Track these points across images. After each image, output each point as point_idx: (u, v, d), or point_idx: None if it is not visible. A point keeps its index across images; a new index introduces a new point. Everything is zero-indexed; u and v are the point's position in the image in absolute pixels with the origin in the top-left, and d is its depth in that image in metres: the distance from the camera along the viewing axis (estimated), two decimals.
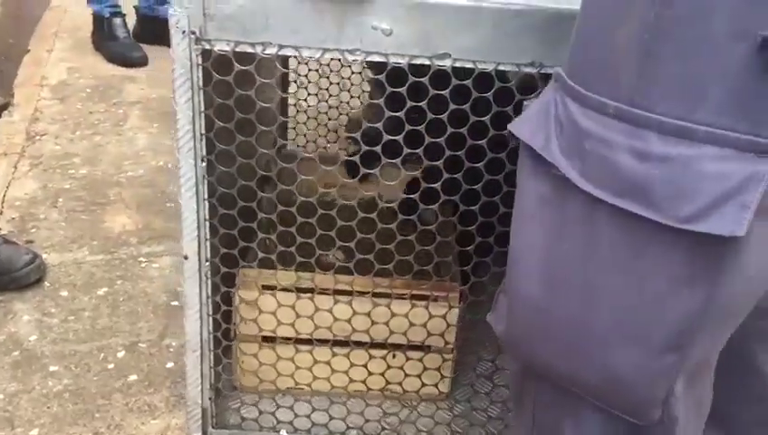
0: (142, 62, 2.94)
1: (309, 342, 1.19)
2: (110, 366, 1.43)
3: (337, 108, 1.96)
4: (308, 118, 1.93)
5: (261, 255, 1.19)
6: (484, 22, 0.94)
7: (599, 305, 0.64)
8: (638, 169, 0.58)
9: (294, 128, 1.96)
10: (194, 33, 0.95)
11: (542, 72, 0.96)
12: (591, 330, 0.65)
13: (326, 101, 1.92)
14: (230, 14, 0.95)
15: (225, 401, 1.27)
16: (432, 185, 1.09)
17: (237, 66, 0.98)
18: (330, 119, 1.95)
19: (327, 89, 1.92)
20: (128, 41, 3.00)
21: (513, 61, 0.96)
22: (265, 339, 1.22)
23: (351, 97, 1.94)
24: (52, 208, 1.94)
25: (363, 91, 1.95)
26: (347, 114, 1.99)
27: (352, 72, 1.92)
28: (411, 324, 1.15)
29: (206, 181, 1.05)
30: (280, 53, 0.97)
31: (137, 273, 1.71)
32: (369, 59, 0.97)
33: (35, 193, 2.00)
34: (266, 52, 0.97)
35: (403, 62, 0.96)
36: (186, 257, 1.09)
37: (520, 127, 0.69)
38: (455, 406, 1.27)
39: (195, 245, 1.08)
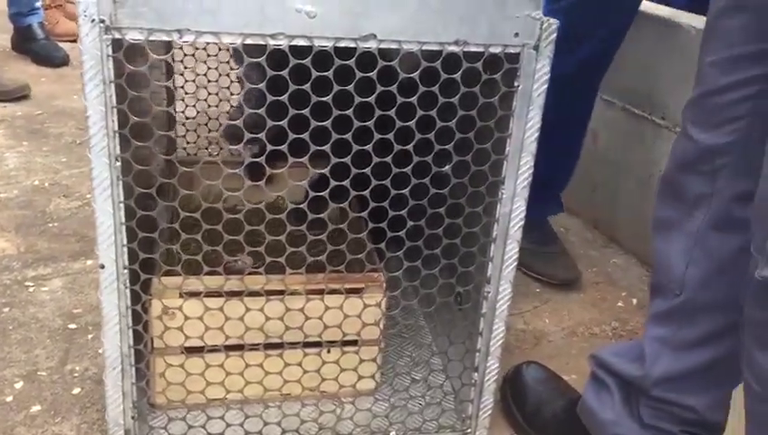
0: None
1: (239, 347, 1.14)
2: (9, 399, 1.30)
3: (217, 106, 1.89)
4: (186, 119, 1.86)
5: (165, 267, 1.13)
6: (410, 1, 0.93)
7: None
8: None
9: (185, 136, 1.89)
10: (103, 21, 0.89)
11: (466, 50, 0.97)
12: None
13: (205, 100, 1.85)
14: (143, 0, 0.89)
15: (145, 419, 1.19)
16: (340, 182, 1.08)
17: (152, 56, 0.93)
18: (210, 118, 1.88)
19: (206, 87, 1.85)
20: None
21: (437, 40, 0.96)
22: (189, 349, 1.15)
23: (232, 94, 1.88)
24: None
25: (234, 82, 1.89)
26: (227, 112, 1.93)
27: (231, 69, 1.86)
28: (345, 317, 1.13)
29: (120, 182, 0.98)
30: (199, 40, 0.92)
31: (25, 298, 1.57)
32: (293, 43, 0.94)
33: None
34: (183, 39, 0.92)
35: (329, 45, 0.94)
36: (102, 266, 1.01)
37: None
38: (390, 397, 1.25)
39: (112, 252, 1.01)
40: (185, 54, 1.80)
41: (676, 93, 1.77)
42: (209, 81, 1.83)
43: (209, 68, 1.81)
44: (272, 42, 0.93)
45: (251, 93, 2.00)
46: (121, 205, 0.99)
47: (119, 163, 0.97)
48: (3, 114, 2.46)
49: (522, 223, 1.09)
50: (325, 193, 1.04)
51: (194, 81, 1.82)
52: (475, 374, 1.18)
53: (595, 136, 2.00)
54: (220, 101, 1.89)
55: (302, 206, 1.07)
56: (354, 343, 1.19)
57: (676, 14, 1.79)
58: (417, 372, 1.31)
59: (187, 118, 1.87)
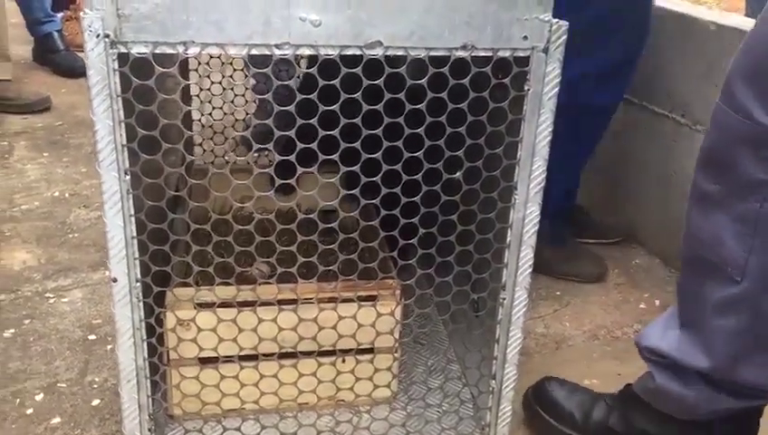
0: None
1: (253, 357, 1.14)
2: (29, 411, 1.31)
3: (233, 114, 1.88)
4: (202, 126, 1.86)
5: (178, 279, 1.13)
6: (415, 6, 0.92)
7: None
8: None
9: (201, 144, 1.89)
10: (108, 36, 0.89)
11: (474, 54, 0.96)
12: None
13: (222, 108, 1.84)
14: (147, 14, 0.89)
15: (162, 431, 1.19)
16: (351, 191, 1.07)
17: (159, 69, 0.92)
18: (225, 126, 1.88)
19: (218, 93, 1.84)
20: None
21: (444, 45, 0.95)
22: (204, 360, 1.15)
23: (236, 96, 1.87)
24: None
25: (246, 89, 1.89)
26: (243, 120, 1.94)
27: (234, 69, 1.85)
28: (359, 326, 1.12)
29: (131, 196, 0.98)
30: (204, 51, 0.92)
31: (45, 310, 1.59)
32: (298, 53, 0.93)
33: None
34: (188, 52, 0.91)
35: (334, 53, 0.94)
36: (114, 280, 1.01)
37: None
38: (407, 405, 1.24)
39: (123, 265, 1.01)
40: (199, 63, 1.80)
41: (697, 91, 1.73)
42: (224, 89, 1.82)
43: (223, 76, 1.81)
44: (277, 51, 0.93)
45: (264, 103, 1.99)
46: (132, 218, 0.99)
47: (128, 176, 0.97)
48: (24, 126, 2.49)
49: (536, 228, 1.07)
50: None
51: (209, 89, 1.82)
52: (493, 382, 1.16)
53: (615, 135, 1.97)
54: (235, 108, 1.89)
55: (312, 215, 1.06)
56: (369, 351, 1.18)
57: (696, 10, 1.76)
58: (433, 379, 1.30)
59: (203, 126, 1.88)
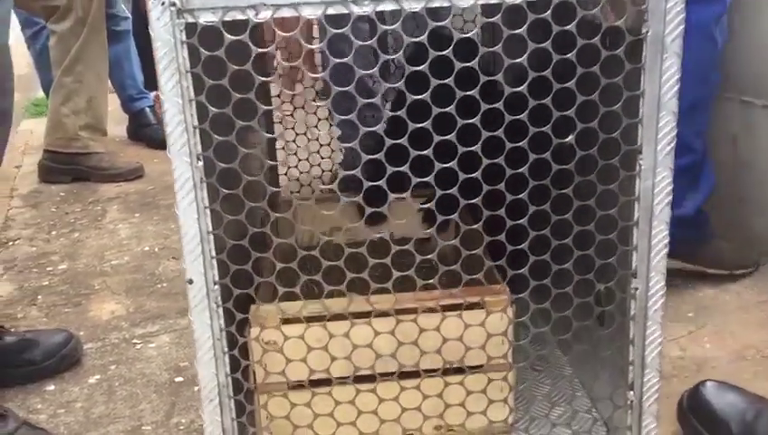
0: None
1: (362, 378, 1.00)
2: None
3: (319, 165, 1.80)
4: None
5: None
6: None
7: None
8: None
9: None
10: (174, 3, 0.82)
11: None
12: None
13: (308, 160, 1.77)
14: None
15: None
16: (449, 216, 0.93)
17: (228, 36, 0.84)
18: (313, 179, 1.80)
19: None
20: None
21: None
22: (294, 385, 1.02)
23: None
24: (30, 307, 1.75)
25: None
26: (331, 171, 1.87)
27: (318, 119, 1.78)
28: (467, 347, 0.96)
29: (204, 185, 0.89)
30: (276, 15, 0.83)
31: (132, 355, 1.51)
32: (379, 9, 0.83)
33: (11, 295, 1.81)
34: (260, 16, 0.83)
35: (418, 6, 0.83)
36: (190, 282, 0.92)
37: None
38: (530, 427, 1.06)
39: (200, 264, 0.91)
40: (282, 117, 1.74)
41: None
42: (309, 140, 1.76)
43: (308, 128, 1.75)
44: (355, 8, 0.83)
45: (350, 153, 1.88)
46: (207, 210, 0.90)
47: (201, 162, 0.88)
48: (117, 192, 2.51)
49: (669, 198, 0.91)
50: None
51: (294, 141, 1.76)
52: (631, 393, 0.98)
53: (734, 142, 1.77)
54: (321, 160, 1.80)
55: (408, 246, 0.92)
56: (479, 369, 1.02)
57: None
58: (556, 396, 1.12)
59: (288, 179, 1.80)
